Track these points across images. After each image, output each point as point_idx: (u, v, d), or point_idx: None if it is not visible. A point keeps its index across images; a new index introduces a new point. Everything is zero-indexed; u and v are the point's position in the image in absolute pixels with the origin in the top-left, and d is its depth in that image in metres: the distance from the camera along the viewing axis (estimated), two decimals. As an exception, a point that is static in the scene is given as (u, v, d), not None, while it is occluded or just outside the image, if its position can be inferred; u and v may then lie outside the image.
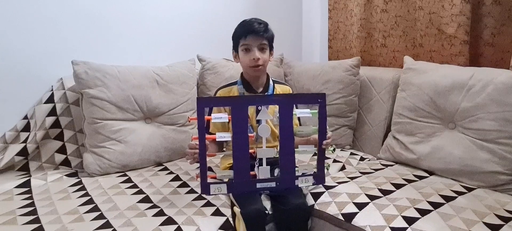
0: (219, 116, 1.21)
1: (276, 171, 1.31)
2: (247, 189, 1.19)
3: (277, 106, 1.21)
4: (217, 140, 1.18)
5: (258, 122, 1.23)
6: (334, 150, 1.27)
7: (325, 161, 1.26)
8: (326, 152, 1.24)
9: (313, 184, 1.26)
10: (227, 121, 1.22)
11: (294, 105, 1.24)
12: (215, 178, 1.21)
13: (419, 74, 1.53)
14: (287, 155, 1.20)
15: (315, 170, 1.25)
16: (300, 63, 2.03)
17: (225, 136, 1.19)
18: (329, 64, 1.87)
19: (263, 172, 1.20)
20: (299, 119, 1.45)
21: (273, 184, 1.20)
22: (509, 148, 1.27)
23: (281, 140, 1.19)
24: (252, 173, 1.20)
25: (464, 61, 1.61)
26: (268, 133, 1.21)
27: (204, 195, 1.22)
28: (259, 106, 1.32)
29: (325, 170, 1.26)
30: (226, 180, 1.20)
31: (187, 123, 1.63)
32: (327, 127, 1.22)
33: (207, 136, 1.15)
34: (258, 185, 1.19)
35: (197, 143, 1.14)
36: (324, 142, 1.21)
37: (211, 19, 1.99)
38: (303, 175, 1.23)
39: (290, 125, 1.19)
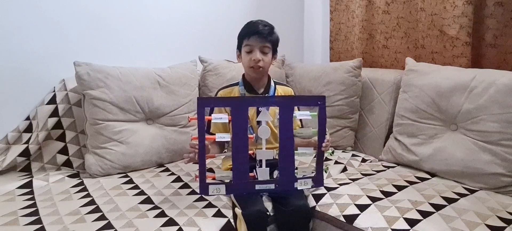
0: (219, 116, 1.22)
1: (276, 173, 1.31)
2: (245, 190, 1.19)
3: (278, 108, 1.21)
4: (216, 140, 1.19)
5: (258, 123, 1.23)
6: (332, 152, 1.27)
7: (325, 163, 1.26)
8: (325, 154, 1.24)
9: (312, 187, 1.26)
10: (227, 121, 1.22)
11: (296, 107, 1.24)
12: (214, 178, 1.21)
13: (421, 75, 1.53)
14: (286, 156, 1.19)
15: (314, 172, 1.25)
16: (301, 64, 2.03)
17: (225, 137, 1.19)
18: (331, 66, 1.87)
19: (262, 173, 1.20)
20: (301, 120, 1.45)
21: (272, 186, 1.20)
22: (512, 149, 1.26)
23: (280, 142, 1.19)
24: (251, 174, 1.20)
25: (466, 63, 1.61)
26: (268, 134, 1.21)
27: (203, 196, 1.22)
28: (260, 108, 1.32)
29: (324, 173, 1.26)
30: (226, 180, 1.20)
31: (189, 124, 1.63)
32: (326, 130, 1.22)
33: (207, 136, 1.16)
34: (257, 187, 1.19)
35: (197, 142, 1.14)
36: (323, 144, 1.21)
37: (213, 20, 1.99)
38: (302, 177, 1.23)
39: (290, 126, 1.19)
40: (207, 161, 1.18)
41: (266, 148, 1.21)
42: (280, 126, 1.18)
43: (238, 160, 1.17)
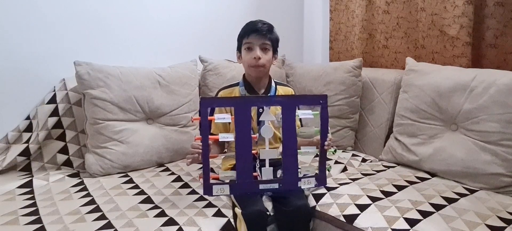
0: (222, 117, 1.22)
1: (279, 172, 1.31)
2: (249, 190, 1.18)
3: (279, 108, 1.21)
4: (220, 140, 1.18)
5: (260, 122, 1.23)
6: (335, 151, 1.27)
7: (327, 162, 1.26)
8: (327, 153, 1.24)
9: (315, 186, 1.26)
10: (230, 121, 1.22)
11: (296, 106, 1.24)
12: (217, 179, 1.21)
13: (421, 75, 1.53)
14: (290, 156, 1.19)
15: (317, 171, 1.25)
16: (301, 64, 2.03)
17: (228, 137, 1.19)
18: (331, 66, 1.87)
19: (266, 173, 1.20)
20: (300, 120, 1.45)
21: (276, 185, 1.19)
22: (512, 149, 1.26)
23: (284, 141, 1.19)
24: (254, 173, 1.20)
25: (467, 63, 1.61)
26: (271, 133, 1.21)
27: (206, 196, 1.22)
28: (260, 108, 1.32)
29: (327, 171, 1.26)
30: (228, 180, 1.20)
31: (189, 124, 1.63)
32: (329, 128, 1.22)
33: (210, 136, 1.16)
34: (261, 186, 1.19)
35: (200, 143, 1.14)
36: (326, 143, 1.21)
37: (213, 20, 1.99)
38: (305, 176, 1.23)
39: (293, 126, 1.19)
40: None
41: (268, 148, 1.21)
42: (283, 125, 1.18)
43: (241, 160, 1.16)
